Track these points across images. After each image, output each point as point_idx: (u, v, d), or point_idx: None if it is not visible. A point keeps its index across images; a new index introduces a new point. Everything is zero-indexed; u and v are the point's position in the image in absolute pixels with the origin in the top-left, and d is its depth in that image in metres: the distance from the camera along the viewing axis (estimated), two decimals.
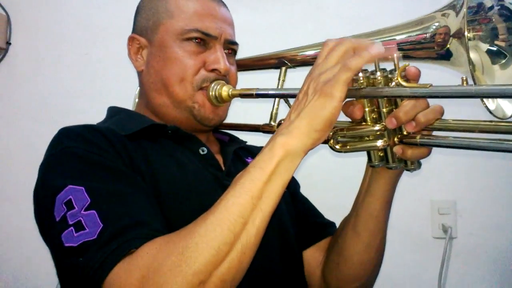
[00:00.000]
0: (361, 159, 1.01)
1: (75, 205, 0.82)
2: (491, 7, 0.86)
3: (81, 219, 0.81)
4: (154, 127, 1.06)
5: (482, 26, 0.86)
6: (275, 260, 1.06)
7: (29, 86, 2.14)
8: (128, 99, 1.26)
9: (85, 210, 0.81)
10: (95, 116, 1.15)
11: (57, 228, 0.83)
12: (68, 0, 2.18)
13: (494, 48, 0.87)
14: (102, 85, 2.08)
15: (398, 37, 0.93)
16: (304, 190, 1.32)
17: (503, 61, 0.86)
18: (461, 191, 1.92)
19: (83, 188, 0.84)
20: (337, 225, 1.19)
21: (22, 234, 1.99)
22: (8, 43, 2.16)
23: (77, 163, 0.89)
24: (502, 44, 0.86)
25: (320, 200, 1.32)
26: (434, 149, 1.78)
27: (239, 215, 0.76)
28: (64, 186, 0.85)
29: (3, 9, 2.16)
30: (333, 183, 1.92)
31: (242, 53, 1.19)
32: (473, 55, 0.85)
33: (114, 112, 1.15)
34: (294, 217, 1.20)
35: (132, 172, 0.92)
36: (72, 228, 0.80)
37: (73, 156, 0.90)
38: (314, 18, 2.06)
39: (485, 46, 0.87)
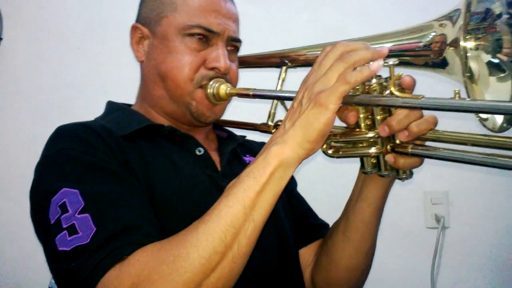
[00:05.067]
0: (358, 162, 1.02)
1: (69, 208, 0.83)
2: (499, 15, 0.84)
3: (75, 222, 0.81)
4: (150, 128, 1.06)
5: (487, 35, 0.85)
6: (273, 260, 1.06)
7: (21, 81, 2.13)
8: (123, 93, 1.25)
9: (79, 214, 0.81)
10: (90, 110, 1.15)
11: (51, 231, 0.83)
12: None
13: (496, 61, 0.86)
14: (96, 79, 2.08)
15: (396, 43, 0.93)
16: (302, 188, 1.33)
17: (502, 75, 0.85)
18: (454, 181, 1.93)
19: (78, 191, 0.84)
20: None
21: (22, 232, 1.98)
22: (0, 38, 2.15)
23: (72, 165, 0.89)
24: (504, 58, 0.85)
25: (318, 198, 1.32)
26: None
27: (230, 225, 0.77)
28: (59, 188, 0.85)
29: None
30: (331, 181, 1.93)
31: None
32: (473, 64, 0.84)
33: (112, 109, 1.14)
34: (291, 216, 1.20)
35: (126, 173, 0.92)
36: (65, 231, 0.81)
37: (69, 158, 0.90)
38: (309, 8, 2.07)
39: (486, 57, 0.86)
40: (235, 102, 1.17)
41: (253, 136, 1.27)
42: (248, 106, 1.33)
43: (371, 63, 0.79)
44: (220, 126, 1.26)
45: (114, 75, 2.04)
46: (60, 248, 0.80)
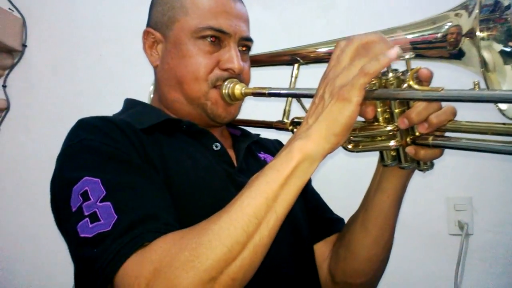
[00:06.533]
0: (375, 158, 1.02)
1: (90, 197, 0.83)
2: (508, 7, 0.84)
3: (97, 210, 0.82)
4: (169, 122, 1.07)
5: (497, 26, 0.85)
6: (287, 254, 1.06)
7: (45, 87, 2.17)
8: (143, 98, 1.27)
9: (100, 202, 0.82)
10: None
11: (73, 219, 0.84)
12: (82, 2, 2.20)
13: (508, 49, 0.85)
14: (117, 84, 2.10)
15: (410, 36, 0.92)
16: (316, 186, 1.32)
17: None
18: (477, 187, 1.90)
19: (99, 180, 0.85)
20: (346, 221, 1.19)
21: (38, 237, 2.03)
22: (24, 46, 2.19)
23: (93, 155, 0.90)
24: None
25: (332, 197, 1.31)
26: None
27: (253, 216, 0.77)
28: (81, 177, 0.86)
29: (19, 12, 2.19)
30: (345, 180, 1.92)
31: (255, 51, 1.20)
32: (486, 54, 0.84)
33: (131, 105, 1.16)
34: (305, 212, 1.20)
35: (146, 165, 0.93)
36: (87, 219, 0.82)
37: (90, 148, 0.91)
38: (325, 15, 2.06)
39: (498, 47, 0.85)
40: (251, 101, 1.17)
41: (268, 134, 1.27)
42: (263, 105, 1.33)
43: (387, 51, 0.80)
44: (233, 125, 1.26)
45: (134, 80, 2.05)
46: (82, 235, 0.81)
